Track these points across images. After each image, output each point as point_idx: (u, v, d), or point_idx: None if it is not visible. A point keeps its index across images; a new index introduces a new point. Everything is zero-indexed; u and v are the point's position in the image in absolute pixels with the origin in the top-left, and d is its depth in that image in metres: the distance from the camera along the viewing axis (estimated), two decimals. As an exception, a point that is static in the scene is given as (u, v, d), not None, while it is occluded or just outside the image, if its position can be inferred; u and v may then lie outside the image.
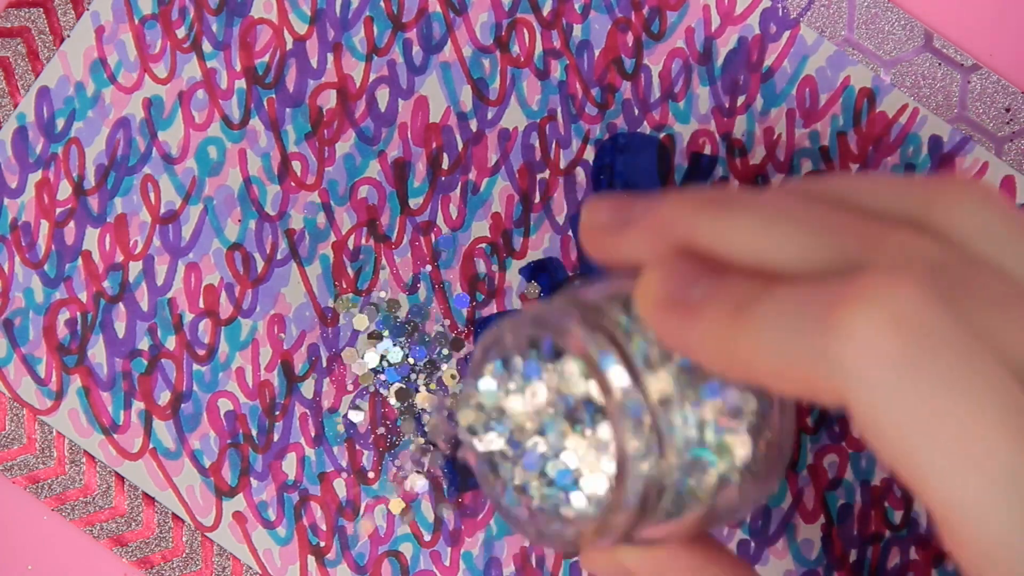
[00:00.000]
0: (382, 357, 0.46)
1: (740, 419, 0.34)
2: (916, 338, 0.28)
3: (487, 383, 0.35)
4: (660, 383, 0.33)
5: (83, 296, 0.46)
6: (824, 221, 0.31)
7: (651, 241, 0.33)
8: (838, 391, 0.29)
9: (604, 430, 0.33)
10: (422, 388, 0.45)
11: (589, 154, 0.46)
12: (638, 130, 0.46)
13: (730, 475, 0.34)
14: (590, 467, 0.33)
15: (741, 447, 0.34)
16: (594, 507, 0.34)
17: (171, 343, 0.46)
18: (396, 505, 0.45)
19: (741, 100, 0.46)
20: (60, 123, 0.46)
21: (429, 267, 0.46)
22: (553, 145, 0.46)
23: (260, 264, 0.46)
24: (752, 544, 0.45)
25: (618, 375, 0.33)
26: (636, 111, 0.46)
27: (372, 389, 0.46)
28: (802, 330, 0.29)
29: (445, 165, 0.46)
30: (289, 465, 0.46)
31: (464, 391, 0.35)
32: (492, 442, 0.35)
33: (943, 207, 0.31)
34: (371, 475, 0.45)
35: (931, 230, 0.31)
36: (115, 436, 0.46)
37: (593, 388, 0.33)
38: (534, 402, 0.34)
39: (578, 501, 0.34)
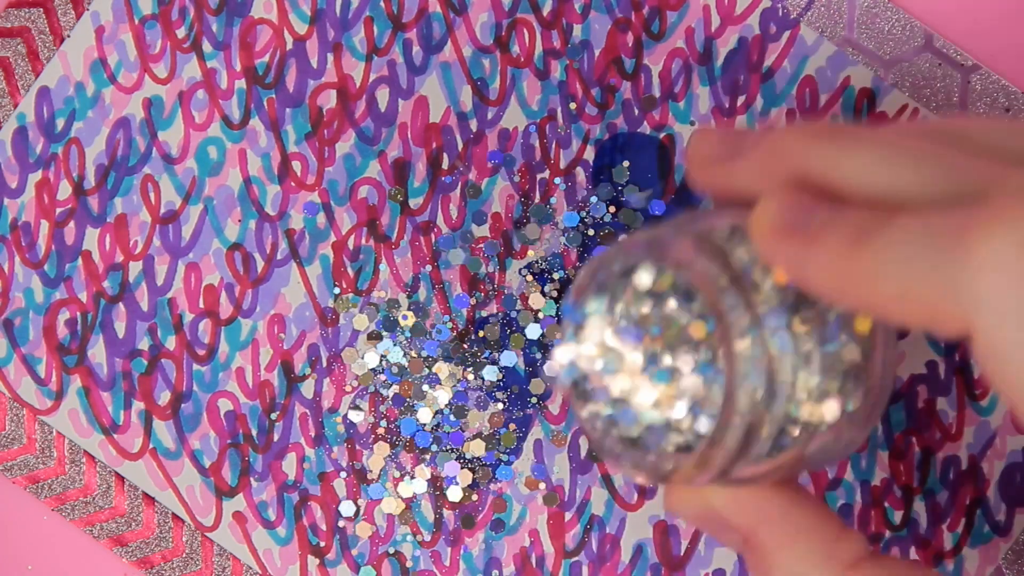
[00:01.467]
0: (382, 357, 0.46)
1: (843, 367, 0.33)
2: None
3: (593, 309, 0.34)
4: (770, 314, 0.32)
5: (83, 296, 0.46)
6: (943, 156, 0.31)
7: (764, 171, 0.33)
8: (963, 318, 0.28)
9: (712, 365, 0.33)
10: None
11: (589, 154, 0.46)
12: (638, 130, 0.46)
13: (828, 419, 0.34)
14: (694, 402, 0.33)
15: (843, 395, 0.33)
16: (696, 441, 0.33)
17: (171, 343, 0.46)
18: (396, 506, 0.45)
19: (741, 100, 0.45)
20: (60, 123, 0.46)
21: (429, 267, 0.46)
22: (553, 145, 0.46)
23: (260, 264, 0.46)
24: (752, 544, 0.45)
25: (731, 299, 0.32)
26: (636, 111, 0.46)
27: (372, 389, 0.46)
28: (929, 255, 0.28)
29: (445, 165, 0.46)
30: (289, 465, 0.46)
31: (566, 317, 0.35)
32: (593, 373, 0.34)
33: None
34: (371, 475, 0.45)
35: None
36: (115, 436, 0.46)
37: (699, 328, 0.33)
38: (637, 340, 0.33)
39: (679, 435, 0.33)
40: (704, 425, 0.33)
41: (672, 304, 0.33)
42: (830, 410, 0.34)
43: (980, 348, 0.28)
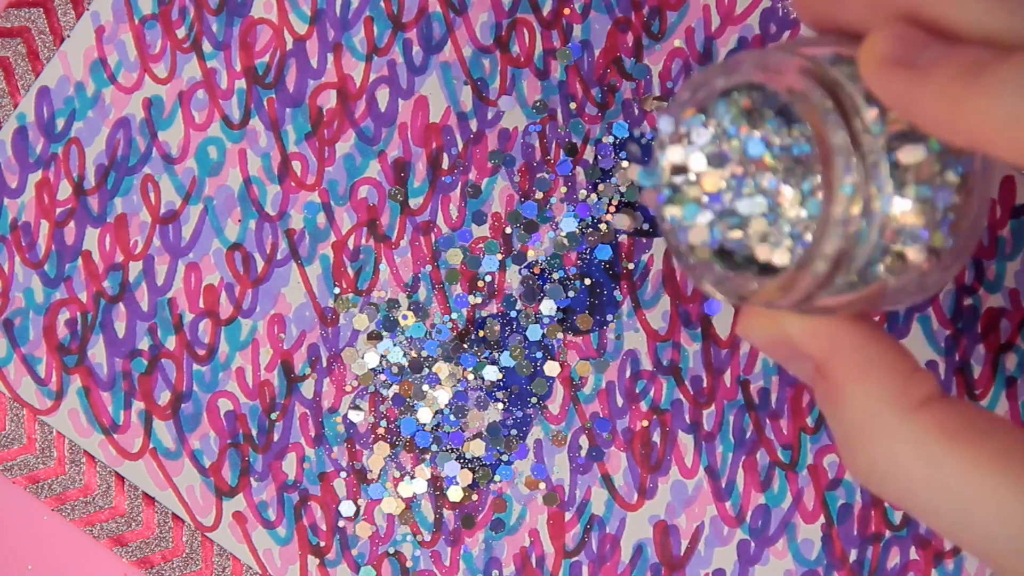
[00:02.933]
0: (382, 357, 0.46)
1: (938, 206, 0.33)
2: None
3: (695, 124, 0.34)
4: (872, 146, 0.32)
5: (83, 296, 0.46)
6: None
7: (874, 5, 0.33)
8: None
9: (812, 182, 0.32)
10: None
11: (589, 154, 0.46)
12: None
13: (917, 256, 0.33)
14: (790, 219, 0.33)
15: (935, 233, 0.33)
16: (788, 261, 0.33)
17: (171, 343, 0.46)
18: (396, 506, 0.45)
19: (741, 100, 0.45)
20: (60, 123, 0.46)
21: (429, 267, 0.46)
22: (553, 145, 0.46)
23: (260, 264, 0.46)
24: (752, 544, 0.45)
25: (837, 128, 0.32)
26: (636, 111, 0.46)
27: (372, 389, 0.46)
28: None
29: (445, 165, 0.46)
30: (289, 465, 0.46)
31: (661, 130, 0.34)
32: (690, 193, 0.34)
33: None
34: (371, 475, 0.45)
35: None
36: (115, 436, 0.46)
37: (804, 141, 0.32)
38: (741, 149, 0.33)
39: (779, 255, 0.33)
40: (794, 248, 0.33)
41: (772, 125, 0.33)
42: (919, 247, 0.33)
43: None
